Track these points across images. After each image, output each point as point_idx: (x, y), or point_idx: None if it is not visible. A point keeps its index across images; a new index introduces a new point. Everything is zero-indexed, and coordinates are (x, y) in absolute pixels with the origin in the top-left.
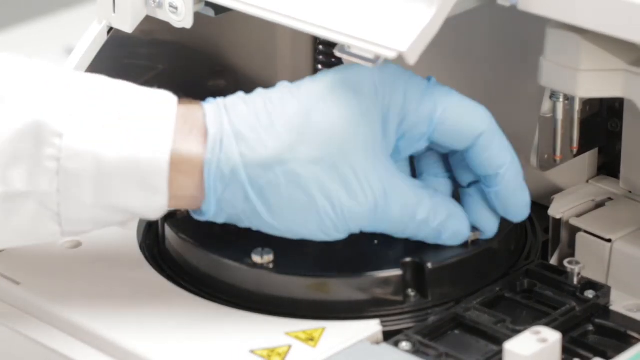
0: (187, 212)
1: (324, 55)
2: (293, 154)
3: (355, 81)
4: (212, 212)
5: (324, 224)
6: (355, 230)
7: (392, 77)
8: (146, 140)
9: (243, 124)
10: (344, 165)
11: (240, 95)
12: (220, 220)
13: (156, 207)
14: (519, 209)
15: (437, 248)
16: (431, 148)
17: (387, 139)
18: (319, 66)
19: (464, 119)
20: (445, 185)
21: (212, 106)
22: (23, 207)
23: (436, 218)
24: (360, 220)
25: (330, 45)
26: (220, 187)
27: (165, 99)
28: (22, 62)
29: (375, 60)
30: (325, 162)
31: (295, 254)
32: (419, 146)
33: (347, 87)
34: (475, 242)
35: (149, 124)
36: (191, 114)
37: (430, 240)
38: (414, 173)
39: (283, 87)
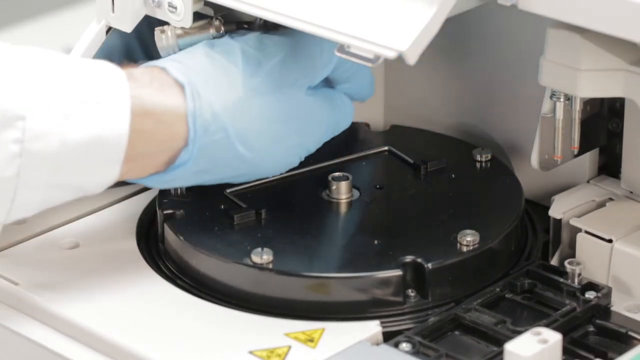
0: (187, 212)
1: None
2: (259, 93)
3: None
4: (192, 161)
5: (293, 150)
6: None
7: None
8: (107, 117)
9: (207, 72)
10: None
11: (181, 54)
12: (192, 170)
13: (109, 180)
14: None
15: (438, 248)
16: None
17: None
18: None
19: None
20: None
21: (170, 62)
22: None
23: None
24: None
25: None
26: (201, 132)
27: (117, 74)
28: None
29: (375, 60)
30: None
31: (295, 254)
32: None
33: None
34: (475, 244)
35: (108, 101)
36: (154, 73)
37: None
38: None
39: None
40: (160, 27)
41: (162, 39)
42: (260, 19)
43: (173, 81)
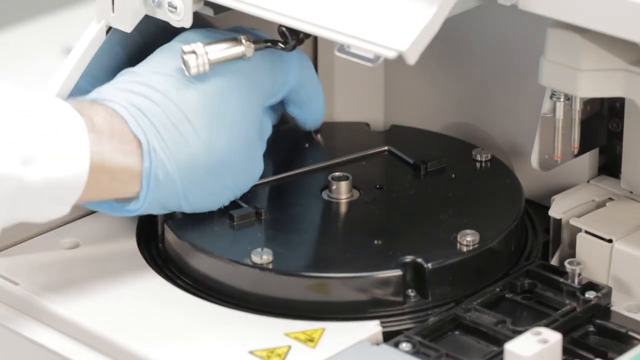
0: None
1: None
2: (211, 149)
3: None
4: (140, 210)
5: (227, 199)
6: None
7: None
8: (67, 168)
9: (163, 126)
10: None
11: (140, 91)
12: (139, 213)
13: (57, 216)
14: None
15: (438, 248)
16: None
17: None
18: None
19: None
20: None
21: (126, 110)
22: None
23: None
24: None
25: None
26: (153, 189)
27: (78, 125)
28: None
29: (375, 60)
30: (236, 150)
31: (295, 254)
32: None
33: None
34: (475, 243)
35: (68, 154)
36: (115, 125)
37: None
38: None
39: (167, 77)
40: (188, 47)
41: (194, 60)
42: (295, 39)
43: (132, 136)
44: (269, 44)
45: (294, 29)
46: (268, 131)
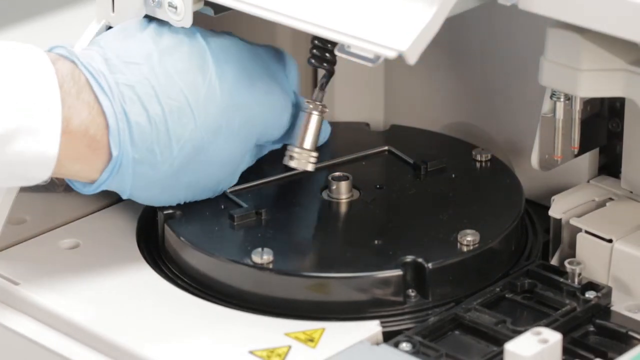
0: (187, 212)
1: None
2: (176, 177)
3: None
4: (93, 190)
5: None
6: None
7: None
8: (36, 137)
9: (143, 144)
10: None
11: (130, 85)
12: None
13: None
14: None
15: (438, 248)
16: None
17: None
18: (312, 60)
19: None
20: None
21: (113, 119)
22: None
23: None
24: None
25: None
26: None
27: (48, 83)
28: None
29: (375, 59)
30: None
31: (295, 254)
32: None
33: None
34: (475, 243)
35: (38, 128)
36: (92, 126)
37: None
38: None
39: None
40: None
41: (295, 162)
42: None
43: (106, 143)
44: (324, 81)
45: (322, 55)
46: (244, 167)
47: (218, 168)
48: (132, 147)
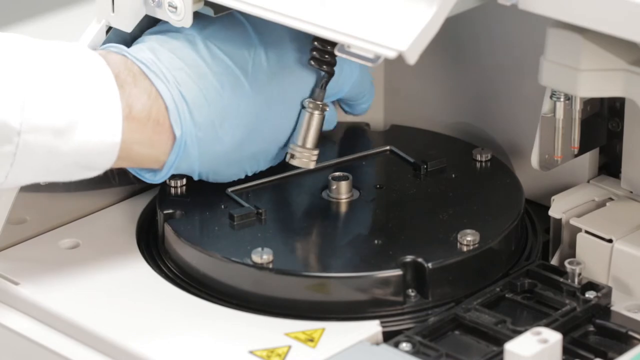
0: (187, 212)
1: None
2: (241, 149)
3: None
4: (164, 176)
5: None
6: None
7: None
8: (100, 133)
9: (204, 121)
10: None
11: (192, 87)
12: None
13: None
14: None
15: (438, 248)
16: None
17: None
18: (312, 62)
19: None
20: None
21: (170, 101)
22: None
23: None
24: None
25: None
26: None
27: (108, 84)
28: None
29: (375, 59)
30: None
31: (295, 254)
32: None
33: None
34: (475, 243)
35: (100, 116)
36: (154, 109)
37: None
38: None
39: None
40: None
41: (297, 160)
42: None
43: (169, 126)
44: (324, 81)
45: (321, 57)
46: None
47: (278, 133)
48: (193, 125)
